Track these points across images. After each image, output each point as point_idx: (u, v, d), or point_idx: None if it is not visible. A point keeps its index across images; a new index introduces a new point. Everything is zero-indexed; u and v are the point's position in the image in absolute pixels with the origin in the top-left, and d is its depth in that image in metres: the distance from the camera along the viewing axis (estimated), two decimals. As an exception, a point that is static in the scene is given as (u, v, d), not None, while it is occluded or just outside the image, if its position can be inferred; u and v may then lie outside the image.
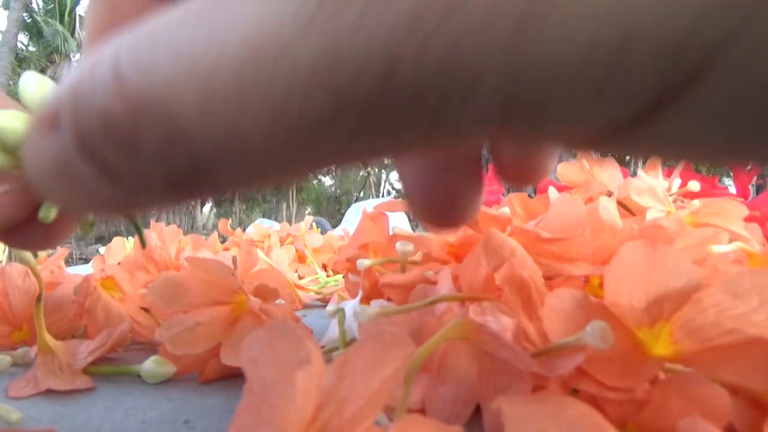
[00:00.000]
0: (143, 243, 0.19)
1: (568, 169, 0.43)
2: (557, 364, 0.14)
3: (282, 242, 0.65)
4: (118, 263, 0.38)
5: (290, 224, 0.77)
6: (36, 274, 0.29)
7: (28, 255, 0.28)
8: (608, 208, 0.26)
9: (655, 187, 0.33)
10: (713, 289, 0.15)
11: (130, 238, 0.68)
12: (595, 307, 0.16)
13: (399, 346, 0.13)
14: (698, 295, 0.15)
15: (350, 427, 0.12)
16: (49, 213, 0.15)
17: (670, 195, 0.36)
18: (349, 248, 0.34)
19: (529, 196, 0.35)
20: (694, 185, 0.35)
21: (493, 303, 0.18)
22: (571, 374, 0.15)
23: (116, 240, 0.45)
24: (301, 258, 0.62)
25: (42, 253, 0.48)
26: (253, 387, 0.11)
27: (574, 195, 0.32)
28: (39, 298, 0.28)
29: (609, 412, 0.13)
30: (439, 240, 0.29)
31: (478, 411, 0.19)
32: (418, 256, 0.30)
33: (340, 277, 0.54)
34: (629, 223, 0.27)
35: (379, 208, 0.33)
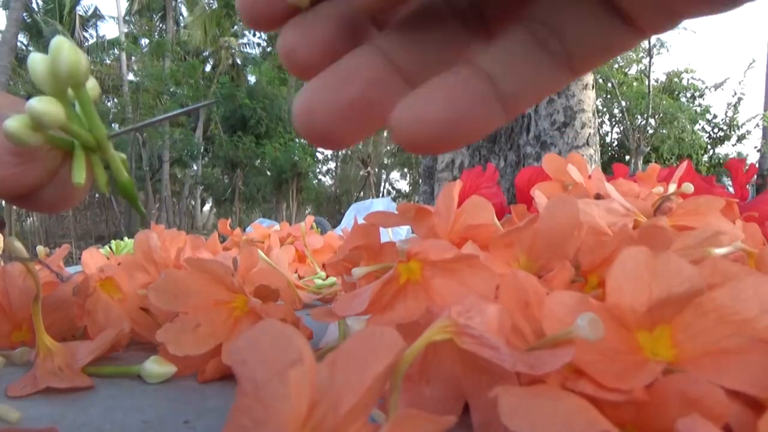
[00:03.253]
0: (141, 213, 0.21)
1: (552, 161, 0.43)
2: (544, 361, 0.14)
3: (282, 242, 0.65)
4: (118, 263, 0.38)
5: (290, 224, 0.77)
6: (33, 274, 0.29)
7: (25, 255, 0.28)
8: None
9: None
10: (715, 294, 0.15)
11: (125, 238, 0.68)
12: (595, 309, 0.16)
13: (390, 343, 0.13)
14: (700, 299, 0.15)
15: (345, 424, 0.12)
16: (82, 176, 0.16)
17: (666, 196, 0.36)
18: (341, 254, 0.34)
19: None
20: (688, 187, 0.35)
21: (479, 298, 0.18)
22: (569, 376, 0.15)
23: (90, 250, 0.45)
24: (301, 258, 0.62)
25: (41, 253, 0.48)
26: (246, 388, 0.11)
27: (568, 195, 0.32)
28: (36, 299, 0.28)
29: (607, 414, 0.13)
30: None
31: (465, 411, 0.19)
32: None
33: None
34: (626, 225, 0.27)
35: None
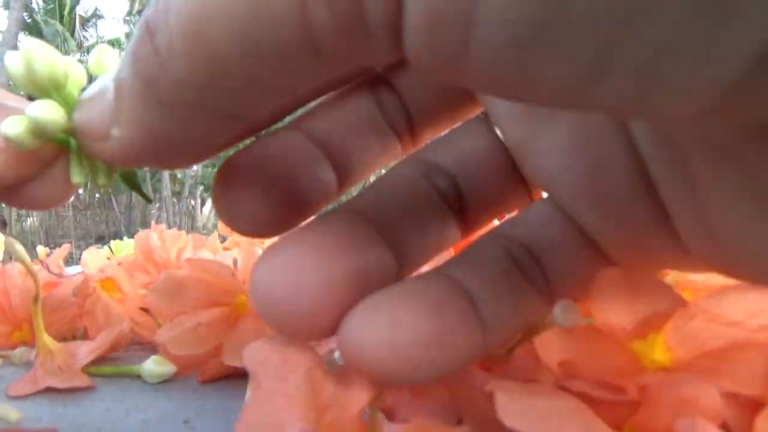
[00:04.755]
0: (148, 199, 0.20)
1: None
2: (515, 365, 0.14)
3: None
4: (118, 263, 0.38)
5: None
6: (32, 274, 0.29)
7: (24, 255, 0.29)
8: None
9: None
10: (699, 301, 0.15)
11: (125, 238, 0.68)
12: (585, 328, 0.16)
13: None
14: (685, 306, 0.15)
15: (356, 423, 0.12)
16: (81, 176, 0.16)
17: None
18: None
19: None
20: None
21: None
22: (564, 376, 0.15)
23: (90, 250, 0.45)
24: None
25: (41, 253, 0.49)
26: (265, 383, 0.11)
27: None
28: (36, 299, 0.28)
29: (603, 415, 0.13)
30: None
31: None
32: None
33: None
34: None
35: None
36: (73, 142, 0.16)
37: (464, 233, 0.15)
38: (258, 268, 0.12)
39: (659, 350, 0.16)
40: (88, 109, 0.12)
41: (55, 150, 0.16)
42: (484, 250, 0.13)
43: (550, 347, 0.16)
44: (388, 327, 0.11)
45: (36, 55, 0.14)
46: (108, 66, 0.16)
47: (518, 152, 0.14)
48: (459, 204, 0.14)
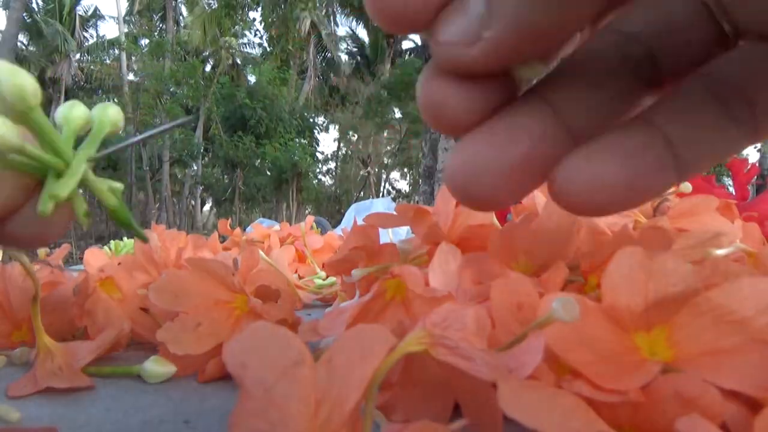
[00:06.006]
0: (142, 238, 0.20)
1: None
2: (523, 362, 0.14)
3: (282, 242, 0.65)
4: (118, 263, 0.38)
5: (290, 224, 0.78)
6: (31, 275, 0.29)
7: (23, 255, 0.29)
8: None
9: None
10: (712, 294, 0.15)
11: (125, 238, 0.68)
12: (591, 310, 0.16)
13: (382, 339, 0.13)
14: (696, 299, 0.15)
15: (351, 419, 0.12)
16: (47, 206, 0.15)
17: (664, 196, 0.36)
18: (340, 255, 0.34)
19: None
20: (686, 186, 0.35)
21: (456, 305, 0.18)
22: (565, 376, 0.15)
23: (93, 250, 0.45)
24: (301, 258, 0.62)
25: (41, 253, 0.48)
26: (252, 392, 0.11)
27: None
28: (35, 299, 0.28)
29: (604, 415, 0.13)
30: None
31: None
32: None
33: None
34: (627, 225, 0.27)
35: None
36: (50, 171, 0.15)
37: (656, 94, 0.15)
38: (451, 159, 0.13)
39: (661, 346, 0.16)
40: (451, 24, 0.12)
41: (33, 181, 0.15)
42: (686, 94, 0.14)
43: (553, 335, 0.16)
44: (592, 175, 0.13)
45: (3, 71, 0.13)
46: (113, 120, 0.15)
47: None
48: (652, 69, 0.15)
